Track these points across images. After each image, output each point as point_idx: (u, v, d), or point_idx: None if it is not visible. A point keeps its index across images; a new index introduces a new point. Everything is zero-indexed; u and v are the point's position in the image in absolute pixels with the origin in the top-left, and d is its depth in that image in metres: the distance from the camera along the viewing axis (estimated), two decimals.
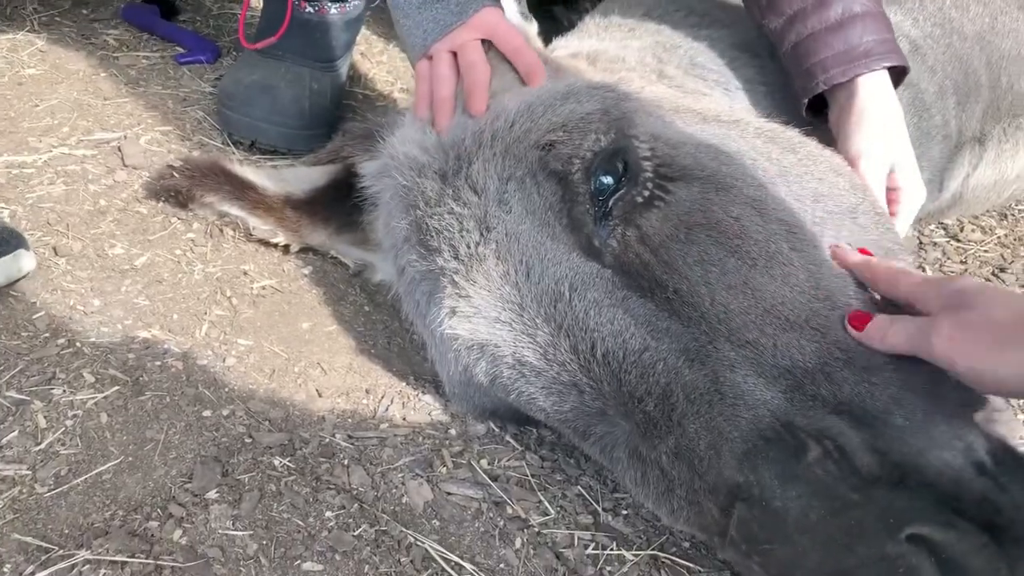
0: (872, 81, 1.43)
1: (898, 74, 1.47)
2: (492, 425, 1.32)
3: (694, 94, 1.49)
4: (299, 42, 1.85)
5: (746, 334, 1.03)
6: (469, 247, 1.15)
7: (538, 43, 1.52)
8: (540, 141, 1.16)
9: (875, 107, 1.42)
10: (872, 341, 1.03)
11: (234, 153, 1.85)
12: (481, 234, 1.15)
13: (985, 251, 1.85)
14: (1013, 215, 2.00)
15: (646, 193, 1.14)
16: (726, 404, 0.99)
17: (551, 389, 1.11)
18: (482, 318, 1.15)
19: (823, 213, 1.20)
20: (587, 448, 1.15)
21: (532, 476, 1.25)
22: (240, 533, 1.11)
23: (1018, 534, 0.88)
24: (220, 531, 1.10)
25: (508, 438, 1.31)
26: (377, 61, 2.39)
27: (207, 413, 1.27)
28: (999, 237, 1.91)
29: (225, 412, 1.28)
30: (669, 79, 1.50)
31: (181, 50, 2.23)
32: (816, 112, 1.50)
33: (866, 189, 1.34)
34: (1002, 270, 1.79)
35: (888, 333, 1.03)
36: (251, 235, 1.59)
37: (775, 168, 1.25)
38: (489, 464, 1.26)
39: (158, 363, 1.33)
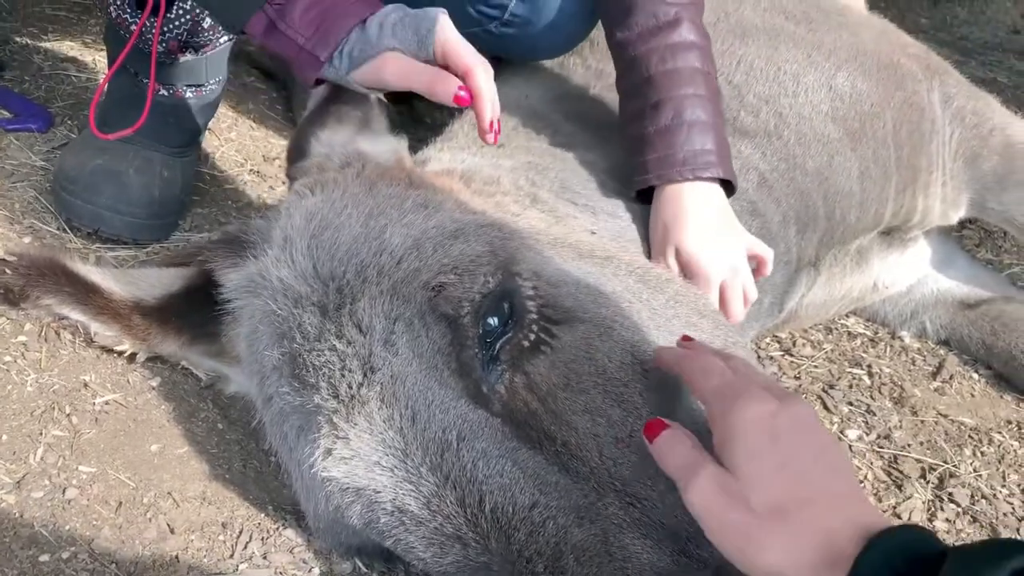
0: (689, 188, 1.53)
1: (729, 184, 1.58)
2: (358, 563, 1.27)
3: (566, 219, 1.52)
4: (151, 126, 1.73)
5: (635, 491, 1.05)
6: (351, 387, 1.11)
7: (408, 160, 1.51)
8: (430, 282, 1.14)
9: (693, 210, 1.52)
10: (657, 457, 1.00)
11: (72, 242, 1.72)
12: (365, 375, 1.11)
13: (815, 367, 1.97)
14: (837, 329, 2.15)
15: (532, 337, 1.14)
16: (615, 567, 1.00)
17: (432, 540, 1.08)
18: (360, 461, 1.11)
19: None
20: None
21: None
22: None
23: None
24: None
25: None
26: (226, 139, 2.28)
27: (44, 558, 1.15)
28: (827, 352, 2.05)
29: (65, 555, 1.16)
30: (542, 203, 1.52)
31: (7, 115, 2.05)
32: (646, 198, 1.60)
33: (730, 329, 1.40)
34: (831, 387, 1.91)
35: (668, 453, 0.98)
36: (92, 341, 1.47)
37: (647, 310, 1.29)
38: None
39: None
